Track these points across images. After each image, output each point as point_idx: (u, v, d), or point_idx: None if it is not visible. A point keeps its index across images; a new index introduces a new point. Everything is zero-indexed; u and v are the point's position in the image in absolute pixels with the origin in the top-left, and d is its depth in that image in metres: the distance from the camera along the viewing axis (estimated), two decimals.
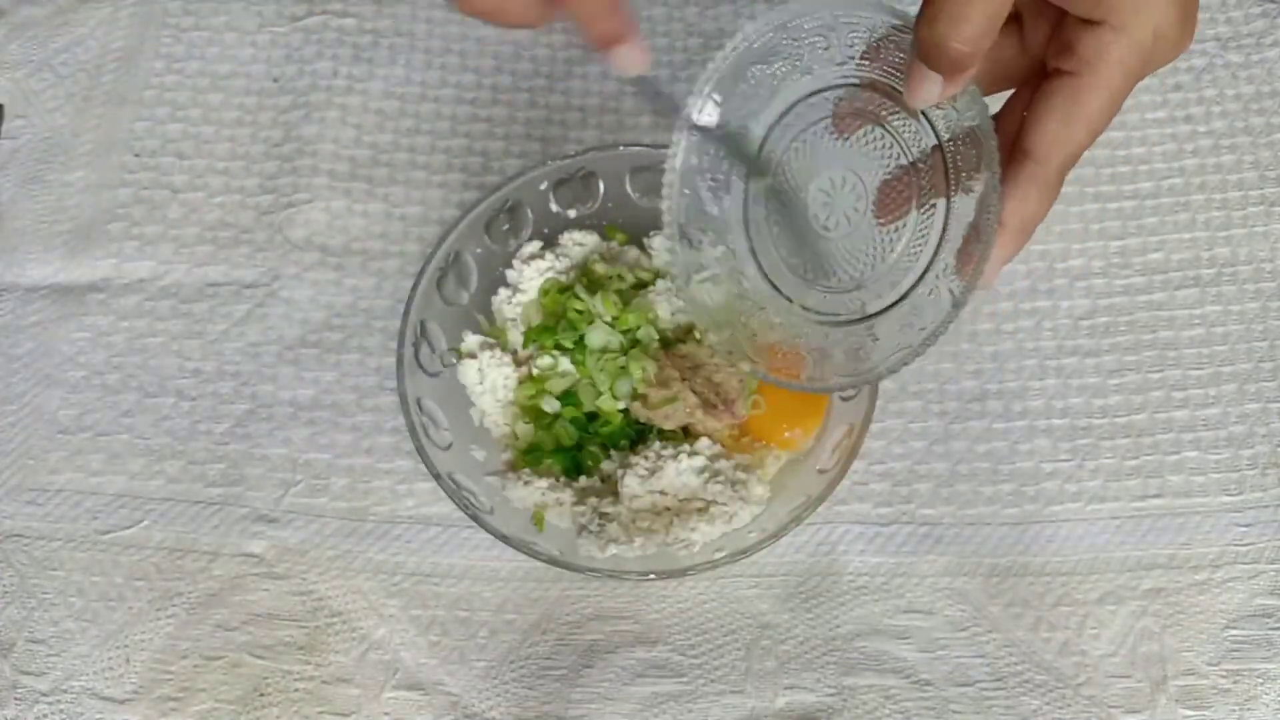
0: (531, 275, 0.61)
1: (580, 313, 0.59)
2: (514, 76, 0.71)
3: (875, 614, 0.55)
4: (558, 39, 0.72)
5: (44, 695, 0.54)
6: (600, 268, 0.61)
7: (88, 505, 0.58)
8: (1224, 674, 0.53)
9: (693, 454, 0.56)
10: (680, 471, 0.55)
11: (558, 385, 0.58)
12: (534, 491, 0.56)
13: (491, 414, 0.59)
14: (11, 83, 0.69)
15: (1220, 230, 0.64)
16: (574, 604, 0.56)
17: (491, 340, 0.60)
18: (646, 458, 0.56)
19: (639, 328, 0.59)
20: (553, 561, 0.53)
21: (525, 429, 0.59)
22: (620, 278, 0.61)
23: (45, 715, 0.53)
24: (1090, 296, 0.63)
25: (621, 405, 0.58)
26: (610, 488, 0.57)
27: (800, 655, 0.54)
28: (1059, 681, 0.54)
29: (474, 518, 0.53)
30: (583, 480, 0.58)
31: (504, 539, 0.53)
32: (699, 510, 0.55)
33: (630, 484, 0.55)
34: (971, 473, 0.59)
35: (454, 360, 0.59)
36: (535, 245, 0.61)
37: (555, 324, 0.59)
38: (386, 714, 0.53)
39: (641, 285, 0.61)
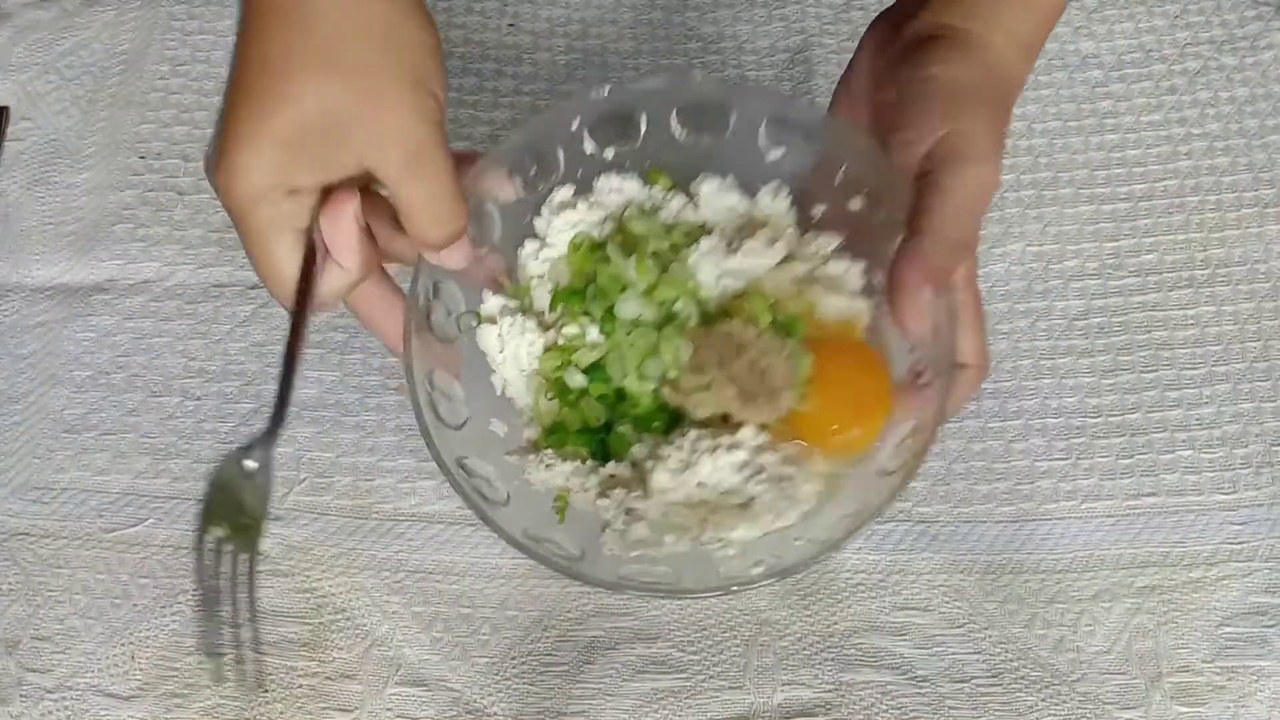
0: (561, 227, 0.54)
1: (612, 278, 0.52)
2: (515, 80, 0.71)
3: (872, 610, 0.56)
4: (558, 43, 0.73)
5: (49, 692, 0.54)
6: (638, 225, 0.53)
7: (93, 503, 0.58)
8: (1218, 671, 0.54)
9: (732, 447, 0.49)
10: (718, 467, 0.49)
11: (585, 357, 0.52)
12: (556, 475, 0.51)
13: (515, 383, 0.54)
14: (17, 85, 0.70)
15: (1214, 232, 0.65)
16: (575, 600, 0.57)
17: (514, 303, 0.53)
18: (680, 448, 0.50)
19: (676, 299, 0.52)
20: (573, 574, 0.48)
21: (550, 405, 0.53)
22: (660, 235, 0.53)
23: (50, 712, 0.54)
24: (1085, 297, 0.63)
25: (651, 386, 0.51)
26: (641, 474, 0.51)
27: (798, 651, 0.55)
28: (1054, 678, 0.54)
29: (482, 516, 0.48)
30: (611, 466, 0.52)
31: (514, 543, 0.48)
32: (740, 506, 0.49)
33: (660, 479, 0.49)
34: (967, 471, 0.59)
35: (473, 324, 0.53)
36: (567, 191, 0.54)
37: (585, 286, 0.52)
38: (389, 710, 0.54)
39: (684, 245, 0.53)
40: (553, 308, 0.53)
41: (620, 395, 0.52)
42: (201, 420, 0.60)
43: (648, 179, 0.55)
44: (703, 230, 0.54)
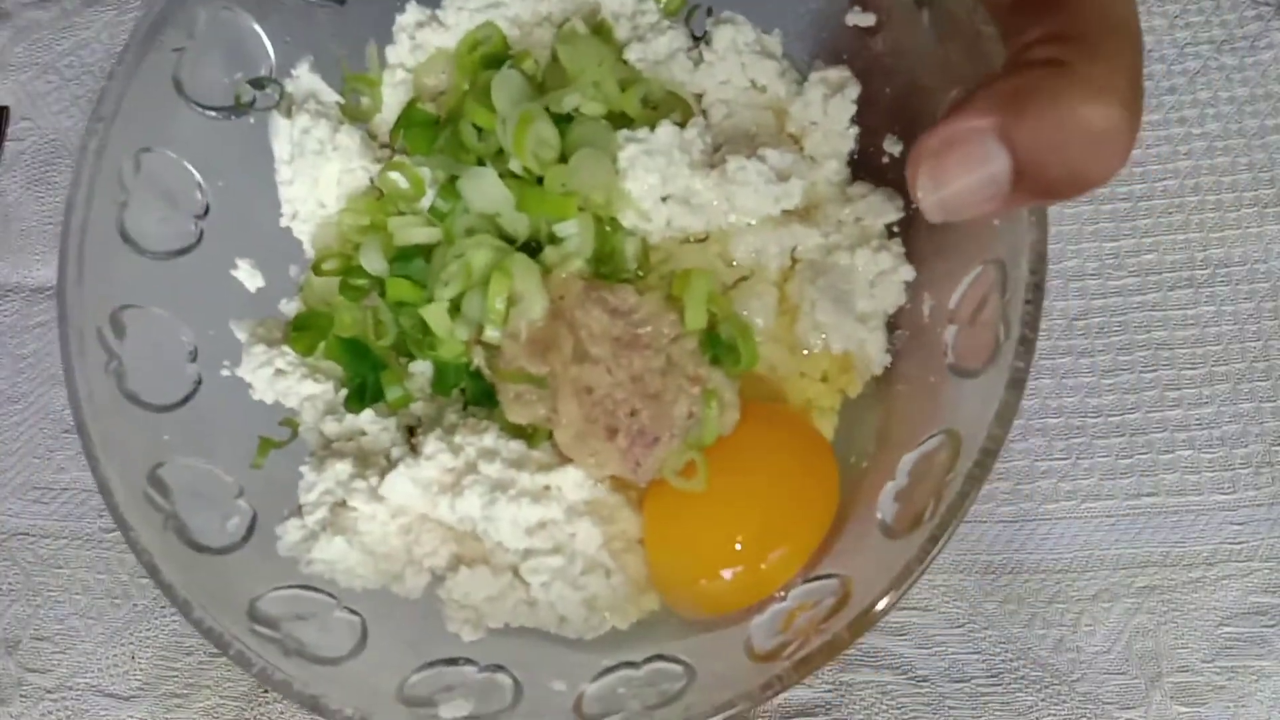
0: (466, 2, 0.35)
1: (479, 131, 0.33)
2: None
3: None
4: None
5: (49, 692, 0.54)
6: (577, 54, 0.34)
7: (93, 503, 0.58)
8: (1218, 670, 0.54)
9: (538, 496, 0.33)
10: (496, 511, 0.33)
11: (405, 232, 0.33)
12: (287, 389, 0.35)
13: (307, 220, 0.37)
14: (17, 85, 0.70)
15: (1214, 231, 0.65)
16: None
17: (338, 99, 0.36)
18: (455, 449, 0.33)
19: (565, 218, 0.32)
20: (157, 574, 0.34)
21: (324, 285, 0.36)
22: (606, 86, 0.34)
23: (50, 712, 0.54)
24: (1084, 297, 0.63)
25: (463, 333, 0.34)
26: (408, 447, 0.36)
27: None
28: (1054, 678, 0.54)
29: (72, 400, 0.32)
30: (366, 418, 0.35)
31: (102, 479, 0.34)
32: (510, 574, 0.34)
33: (398, 484, 0.34)
34: None
35: (272, 98, 0.35)
36: None
37: (446, 124, 0.34)
38: None
39: (641, 121, 0.35)
40: (394, 135, 0.36)
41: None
42: None
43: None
44: (685, 104, 0.35)
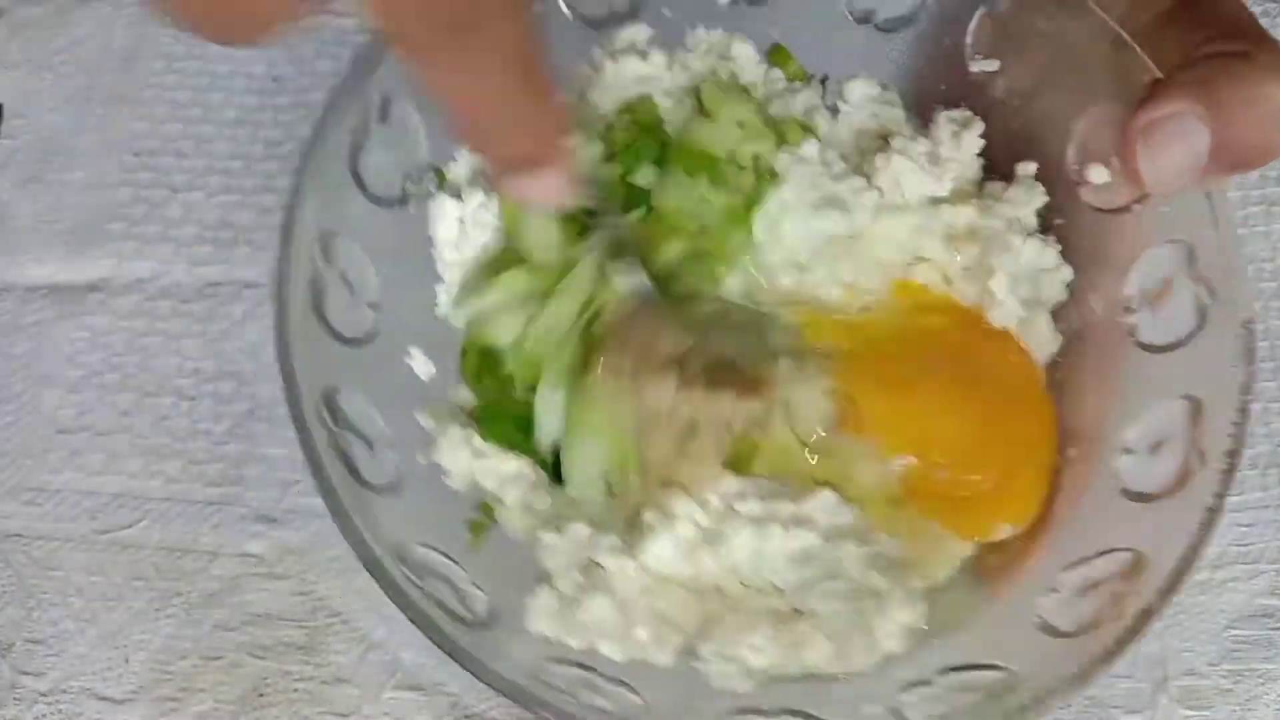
0: (620, 76, 0.38)
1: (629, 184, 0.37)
2: None
3: None
4: None
5: (43, 695, 0.54)
6: (728, 107, 0.37)
7: (86, 505, 0.58)
8: (1224, 674, 0.53)
9: (796, 522, 0.33)
10: (766, 548, 0.33)
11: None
12: (487, 471, 0.36)
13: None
14: (11, 82, 0.69)
15: None
16: None
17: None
18: (707, 505, 0.34)
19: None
20: (456, 649, 0.34)
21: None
22: (750, 123, 0.38)
23: (44, 715, 0.53)
24: None
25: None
26: (634, 518, 0.37)
27: None
28: None
29: (324, 490, 0.33)
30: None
31: (369, 563, 0.33)
32: (777, 616, 0.33)
33: (661, 550, 0.33)
34: None
35: (430, 189, 0.38)
36: (641, 31, 0.39)
37: (615, 182, 0.37)
38: (386, 714, 0.53)
39: (797, 139, 0.40)
40: None
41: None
42: (196, 420, 0.60)
43: (769, 57, 0.42)
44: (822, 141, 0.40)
